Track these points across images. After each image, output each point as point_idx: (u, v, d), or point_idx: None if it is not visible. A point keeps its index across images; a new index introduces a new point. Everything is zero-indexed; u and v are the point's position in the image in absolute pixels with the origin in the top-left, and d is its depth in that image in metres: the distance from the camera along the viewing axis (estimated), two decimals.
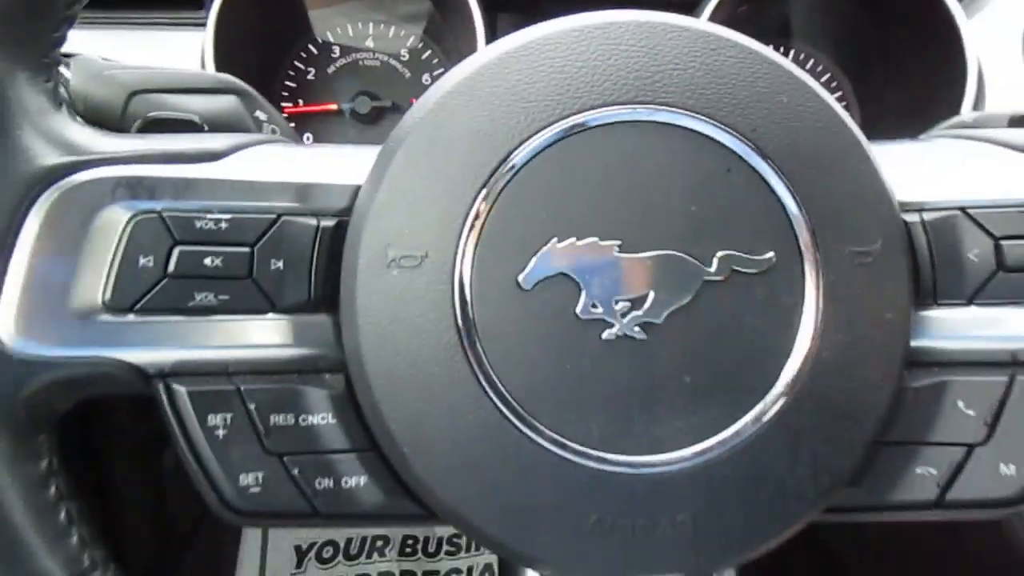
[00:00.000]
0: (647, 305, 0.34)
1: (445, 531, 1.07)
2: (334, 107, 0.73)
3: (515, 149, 0.34)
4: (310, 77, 0.73)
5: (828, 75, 0.74)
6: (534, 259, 0.33)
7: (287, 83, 0.73)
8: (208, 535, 1.05)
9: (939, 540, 0.76)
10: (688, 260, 0.34)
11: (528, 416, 0.33)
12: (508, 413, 0.33)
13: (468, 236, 0.34)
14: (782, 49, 0.74)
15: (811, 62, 0.74)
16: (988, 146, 0.38)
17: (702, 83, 0.34)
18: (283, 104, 0.73)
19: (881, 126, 0.67)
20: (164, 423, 0.34)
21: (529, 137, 0.34)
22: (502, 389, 0.33)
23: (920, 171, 0.38)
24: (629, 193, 0.34)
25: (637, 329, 0.34)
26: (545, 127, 0.34)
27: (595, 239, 0.34)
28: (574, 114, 0.34)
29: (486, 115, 0.34)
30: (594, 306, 0.34)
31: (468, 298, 0.33)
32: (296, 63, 0.73)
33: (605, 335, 0.34)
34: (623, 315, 0.34)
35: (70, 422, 0.85)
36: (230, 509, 0.34)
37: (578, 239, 0.34)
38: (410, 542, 1.07)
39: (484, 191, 0.34)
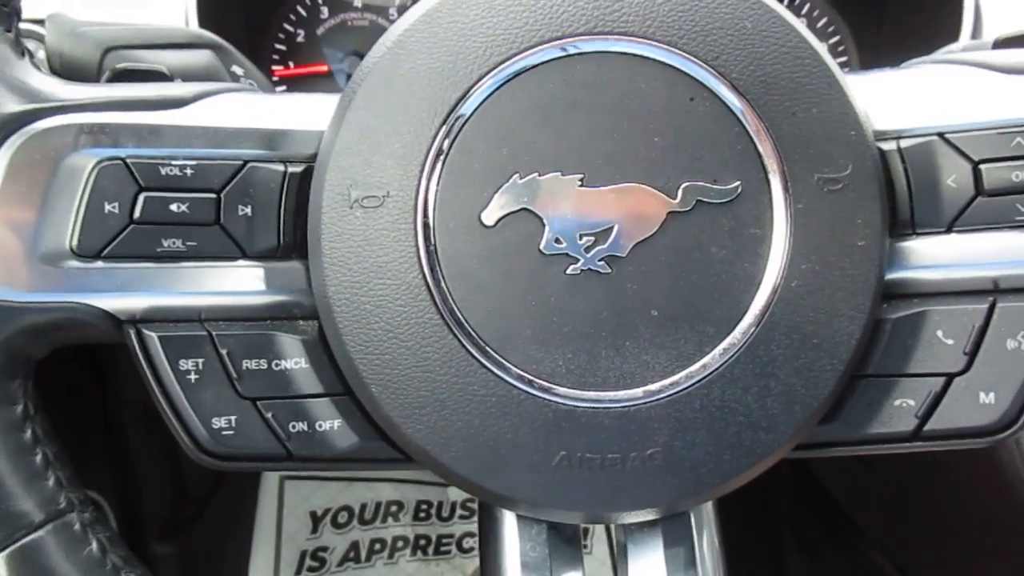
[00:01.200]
0: (611, 239, 0.33)
1: (459, 496, 1.08)
2: (324, 69, 0.72)
3: (474, 86, 0.33)
4: (299, 39, 0.73)
5: (825, 18, 0.72)
6: (496, 195, 0.33)
7: (276, 46, 0.72)
8: (223, 500, 1.06)
9: (949, 500, 0.75)
10: (652, 192, 0.33)
11: (494, 353, 0.33)
12: (474, 351, 0.33)
13: (429, 174, 0.33)
14: None
15: (807, 5, 0.72)
16: (969, 69, 0.37)
17: (663, 11, 0.33)
18: (273, 67, 0.72)
19: (878, 66, 0.66)
20: (137, 369, 0.35)
21: (488, 73, 0.33)
22: (467, 327, 0.33)
23: (898, 99, 0.37)
24: (591, 126, 0.33)
25: (602, 263, 0.33)
26: (503, 62, 0.33)
27: (557, 173, 0.33)
28: (533, 47, 0.33)
29: (444, 52, 0.33)
30: (558, 241, 0.33)
31: (431, 236, 0.33)
32: (285, 25, 0.72)
33: (570, 270, 0.33)
34: (587, 249, 0.33)
35: (85, 391, 0.86)
36: (204, 452, 0.35)
37: (540, 174, 0.33)
38: (424, 506, 1.08)
39: (444, 128, 0.33)
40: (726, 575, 0.38)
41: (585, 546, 1.02)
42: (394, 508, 1.08)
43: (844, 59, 0.73)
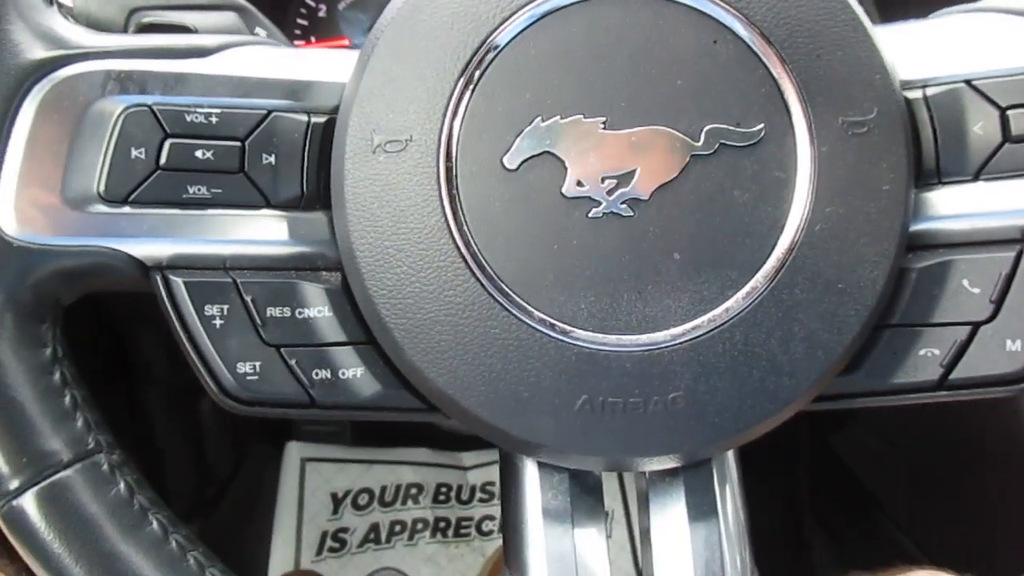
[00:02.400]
0: (634, 182, 0.33)
1: (478, 479, 1.08)
2: (346, 43, 0.73)
3: (496, 29, 0.33)
4: (321, 14, 0.73)
5: None
6: (518, 139, 0.33)
7: (299, 20, 0.73)
8: (245, 481, 1.07)
9: (974, 482, 0.75)
10: (675, 135, 0.33)
11: (516, 297, 0.33)
12: (496, 294, 0.33)
13: (451, 118, 0.33)
14: None
15: None
16: (996, 16, 0.36)
17: None
18: (295, 42, 0.73)
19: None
20: (163, 314, 0.35)
21: (510, 16, 0.33)
22: (490, 270, 0.33)
23: (924, 48, 0.36)
24: (613, 69, 0.33)
25: (624, 206, 0.33)
26: (525, 5, 0.33)
27: (579, 116, 0.33)
28: None
29: None
30: (580, 184, 0.33)
31: (454, 180, 0.33)
32: (307, 0, 0.73)
33: (592, 213, 0.33)
34: (609, 192, 0.33)
35: (109, 370, 0.87)
36: (229, 396, 0.35)
37: (562, 117, 0.33)
38: (444, 489, 1.08)
39: (466, 72, 0.33)
40: (748, 527, 0.38)
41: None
42: (414, 491, 1.08)
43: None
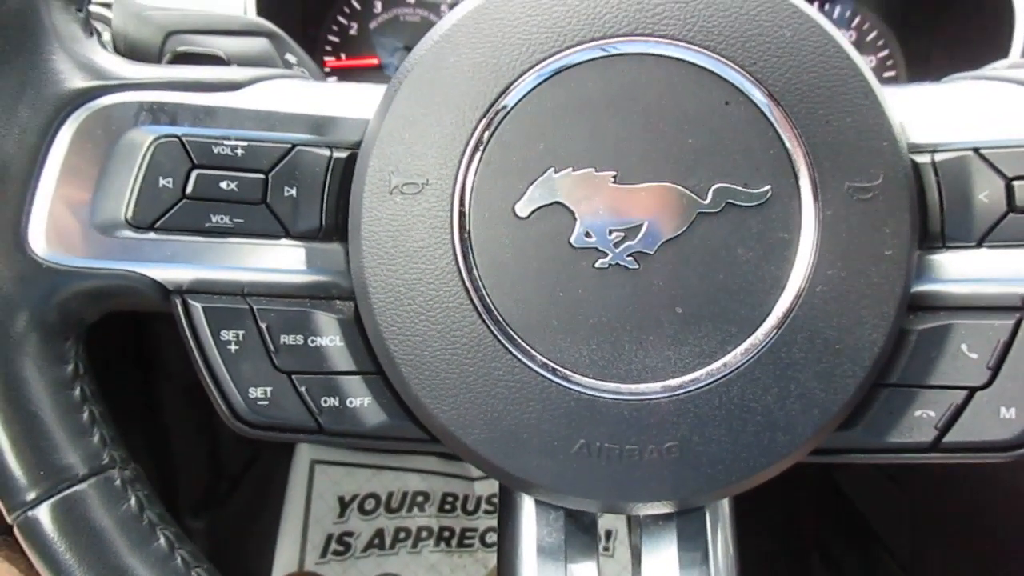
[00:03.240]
0: (640, 235, 0.34)
1: (485, 490, 1.09)
2: (375, 62, 0.74)
3: (515, 81, 0.34)
4: (352, 32, 0.75)
5: (875, 32, 0.72)
6: (531, 188, 0.34)
7: (330, 37, 0.74)
8: (255, 480, 1.09)
9: (975, 522, 0.75)
10: (683, 192, 0.34)
11: (521, 340, 0.34)
12: (501, 337, 0.34)
13: (468, 165, 0.34)
14: (827, 5, 0.72)
15: (857, 19, 0.72)
16: (1007, 86, 0.37)
17: (703, 16, 0.34)
18: (325, 59, 0.74)
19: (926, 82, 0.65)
20: (181, 338, 0.36)
21: (529, 69, 0.34)
22: (497, 314, 0.34)
23: (935, 113, 0.37)
24: (627, 125, 0.34)
25: (630, 259, 0.34)
26: (545, 59, 0.34)
27: (591, 169, 0.34)
28: (573, 47, 0.34)
29: (488, 48, 0.34)
30: (588, 235, 0.34)
31: (466, 224, 0.34)
32: (339, 17, 0.74)
33: (598, 264, 0.34)
34: (616, 244, 0.34)
35: (127, 366, 0.88)
36: (240, 420, 0.36)
37: (574, 169, 0.34)
38: (450, 499, 1.09)
39: (484, 121, 0.34)
40: (739, 574, 0.39)
41: (607, 549, 1.03)
42: (420, 499, 1.09)
43: (892, 73, 0.73)
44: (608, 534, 1.03)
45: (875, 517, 0.88)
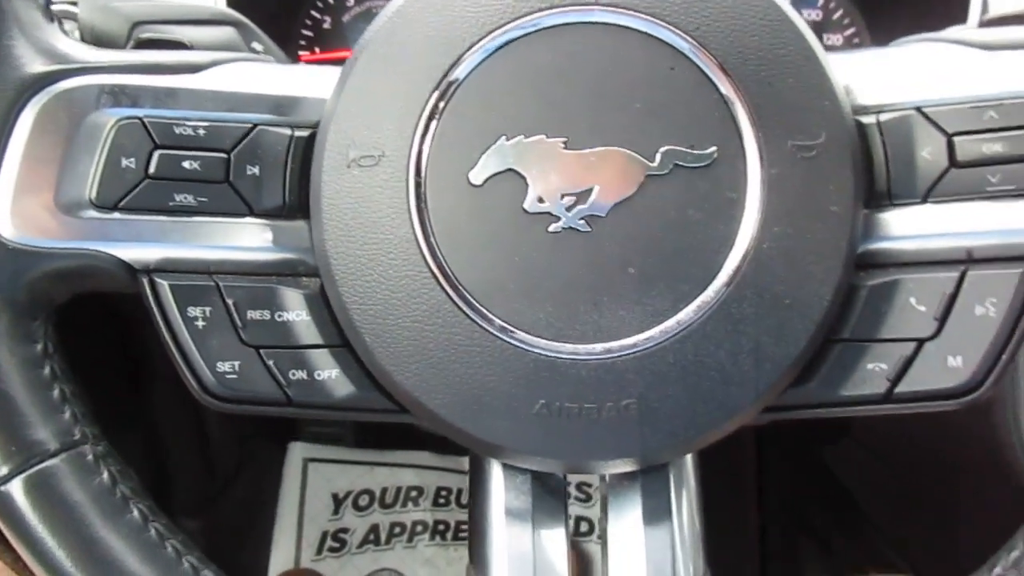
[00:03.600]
0: (592, 199, 0.35)
1: None
2: (349, 55, 0.75)
3: (465, 53, 0.35)
4: (326, 26, 0.75)
5: (841, 10, 0.73)
6: (484, 156, 0.35)
7: (303, 31, 0.75)
8: (248, 479, 1.09)
9: (957, 495, 0.76)
10: (632, 155, 0.35)
11: (479, 305, 0.35)
12: (460, 303, 0.35)
13: (423, 136, 0.35)
14: None
15: None
16: (950, 46, 0.38)
17: None
18: (300, 53, 0.75)
19: None
20: (148, 316, 0.37)
21: (479, 40, 0.35)
22: (454, 280, 0.35)
23: (880, 76, 0.38)
24: (576, 92, 0.35)
25: (582, 222, 0.35)
26: (494, 31, 0.35)
27: (542, 136, 0.35)
28: (522, 17, 0.35)
29: (439, 21, 0.35)
30: (541, 200, 0.35)
31: (423, 194, 0.35)
32: (312, 12, 0.75)
33: (551, 228, 0.35)
34: (569, 209, 0.35)
35: (114, 365, 0.89)
36: (209, 394, 0.37)
37: (525, 137, 0.35)
38: (444, 493, 1.10)
39: (437, 92, 0.35)
40: (703, 531, 0.39)
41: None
42: (414, 493, 1.10)
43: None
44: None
45: (862, 494, 0.89)
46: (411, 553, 1.07)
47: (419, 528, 1.08)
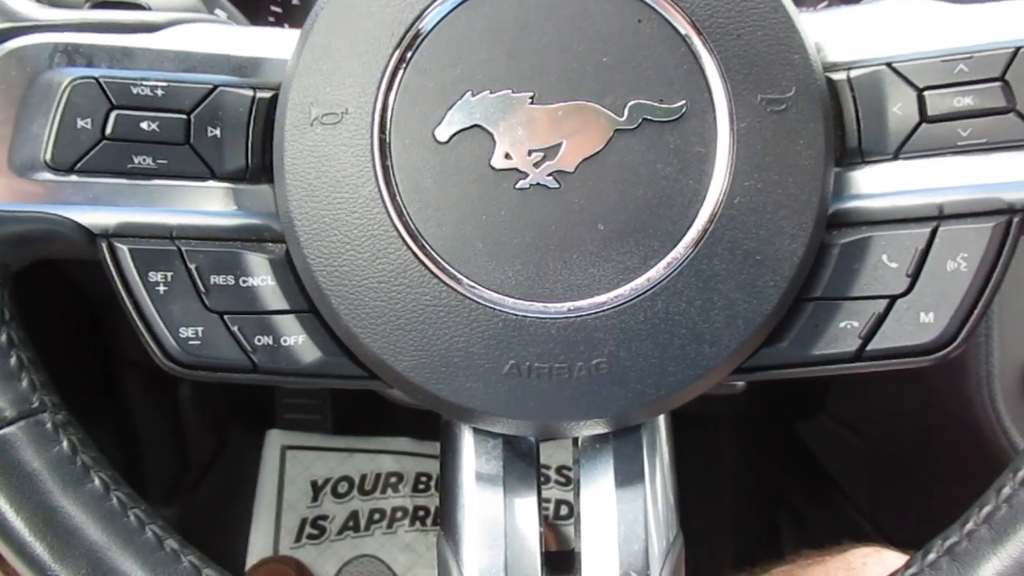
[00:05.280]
0: (560, 155, 0.34)
1: None
2: None
3: (428, 7, 0.35)
4: (295, 2, 0.74)
5: None
6: (449, 112, 0.34)
7: (273, 8, 0.74)
8: (225, 467, 1.08)
9: (933, 472, 0.76)
10: (599, 110, 0.34)
11: (446, 264, 0.35)
12: (427, 262, 0.34)
13: (386, 91, 0.35)
14: None
15: None
16: (920, 2, 0.38)
17: None
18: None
19: None
20: (108, 281, 0.36)
21: None
22: (421, 239, 0.35)
23: (854, 32, 0.38)
24: (542, 46, 0.34)
25: (550, 178, 0.34)
26: None
27: (508, 91, 0.34)
28: None
29: None
30: (508, 156, 0.35)
31: (387, 152, 0.35)
32: None
33: (519, 185, 0.34)
34: (536, 165, 0.34)
35: (86, 352, 0.88)
36: (172, 360, 0.36)
37: (491, 92, 0.34)
38: (423, 479, 1.09)
39: (400, 47, 0.35)
40: (675, 494, 0.39)
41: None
42: (394, 479, 1.09)
43: None
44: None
45: (836, 468, 0.89)
46: (391, 539, 1.06)
47: (399, 514, 1.07)
